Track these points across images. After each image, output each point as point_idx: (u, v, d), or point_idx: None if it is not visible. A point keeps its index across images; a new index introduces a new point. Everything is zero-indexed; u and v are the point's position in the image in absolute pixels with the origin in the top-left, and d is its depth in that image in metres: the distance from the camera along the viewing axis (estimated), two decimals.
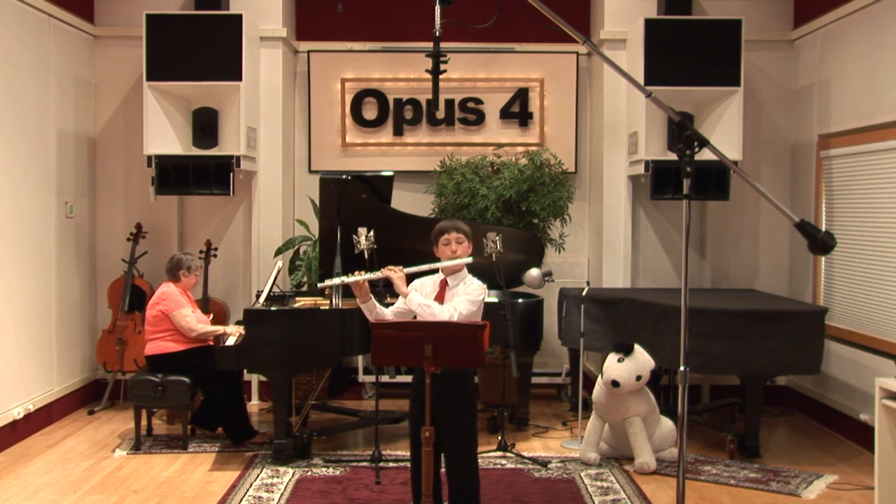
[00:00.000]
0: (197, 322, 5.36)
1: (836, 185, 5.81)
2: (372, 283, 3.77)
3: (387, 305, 3.84)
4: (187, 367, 5.26)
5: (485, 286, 3.76)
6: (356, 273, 3.74)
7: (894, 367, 4.21)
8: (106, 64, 6.56)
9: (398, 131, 6.86)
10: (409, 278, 3.78)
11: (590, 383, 5.54)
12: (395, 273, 3.70)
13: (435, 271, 3.79)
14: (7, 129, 5.30)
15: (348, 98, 6.84)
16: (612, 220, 6.51)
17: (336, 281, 3.89)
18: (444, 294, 3.72)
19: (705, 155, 2.90)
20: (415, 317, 3.69)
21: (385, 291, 4.91)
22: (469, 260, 3.74)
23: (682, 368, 2.79)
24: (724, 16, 6.22)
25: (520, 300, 5.63)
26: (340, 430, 5.66)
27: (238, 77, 5.95)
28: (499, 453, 5.12)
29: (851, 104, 5.63)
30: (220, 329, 5.48)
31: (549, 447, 5.38)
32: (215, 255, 6.41)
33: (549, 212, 6.13)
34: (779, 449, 5.43)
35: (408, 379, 3.84)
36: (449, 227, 3.75)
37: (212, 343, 5.47)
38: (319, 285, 4.12)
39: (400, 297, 3.76)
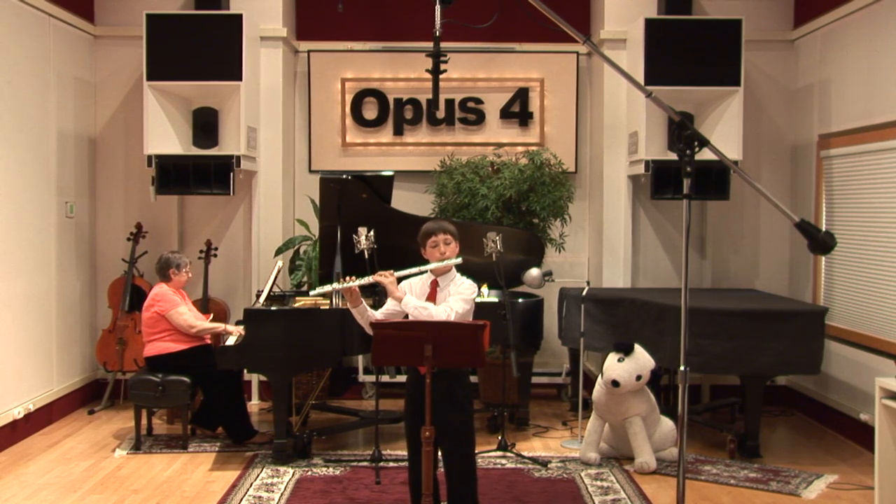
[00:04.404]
0: (195, 319, 5.36)
1: (837, 184, 5.80)
2: (373, 288, 3.76)
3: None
4: (187, 367, 5.26)
5: (475, 284, 3.76)
6: (347, 279, 3.73)
7: (894, 366, 4.21)
8: (106, 64, 6.56)
9: (398, 131, 6.85)
10: (399, 281, 3.77)
11: (590, 383, 5.54)
12: (387, 278, 3.70)
13: (424, 272, 3.79)
14: (7, 128, 5.30)
15: (348, 98, 6.84)
16: (612, 220, 6.50)
17: (327, 288, 3.88)
18: (436, 295, 3.72)
19: (705, 155, 2.90)
20: (406, 317, 3.69)
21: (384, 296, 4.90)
22: (459, 260, 3.73)
23: (682, 368, 2.79)
24: (724, 16, 6.22)
25: (520, 300, 5.63)
26: (340, 429, 5.66)
27: (238, 77, 5.95)
28: (499, 453, 5.12)
29: (851, 104, 5.63)
30: (219, 326, 5.48)
31: (549, 447, 5.38)
32: (215, 255, 6.41)
33: (550, 212, 6.13)
34: (779, 449, 5.43)
35: None
36: (436, 228, 3.74)
37: (210, 342, 5.47)
38: (311, 293, 4.11)
39: (389, 300, 3.75)
